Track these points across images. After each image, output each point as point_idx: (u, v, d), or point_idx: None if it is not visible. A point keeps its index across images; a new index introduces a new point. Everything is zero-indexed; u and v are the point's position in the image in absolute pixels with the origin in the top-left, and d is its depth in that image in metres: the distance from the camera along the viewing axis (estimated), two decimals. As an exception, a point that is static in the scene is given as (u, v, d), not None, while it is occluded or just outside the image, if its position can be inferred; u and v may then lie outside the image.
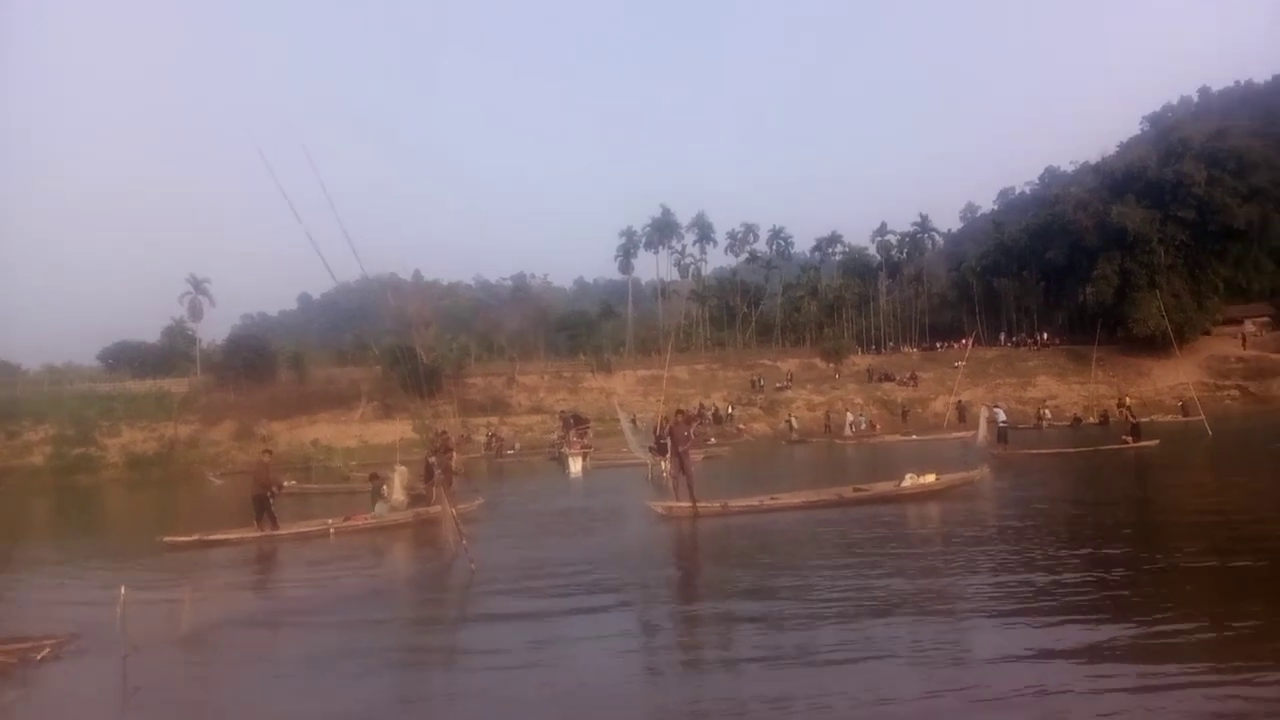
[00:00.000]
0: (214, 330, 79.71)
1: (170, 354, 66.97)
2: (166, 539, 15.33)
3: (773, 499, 16.37)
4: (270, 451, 20.44)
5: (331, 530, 16.08)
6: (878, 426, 47.32)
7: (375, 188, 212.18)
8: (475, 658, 7.76)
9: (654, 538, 14.20)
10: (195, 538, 15.21)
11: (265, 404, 52.78)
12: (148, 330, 73.73)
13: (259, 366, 56.71)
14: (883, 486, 16.98)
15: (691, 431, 17.88)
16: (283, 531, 16.02)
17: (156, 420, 49.91)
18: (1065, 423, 46.09)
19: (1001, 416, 29.56)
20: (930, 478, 16.71)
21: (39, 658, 7.79)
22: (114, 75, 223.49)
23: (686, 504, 15.77)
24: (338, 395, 54.33)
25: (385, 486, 18.15)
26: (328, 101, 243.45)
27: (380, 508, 17.36)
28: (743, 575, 10.34)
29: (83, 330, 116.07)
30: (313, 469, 37.45)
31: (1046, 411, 48.82)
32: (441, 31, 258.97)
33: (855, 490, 16.75)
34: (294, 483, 30.50)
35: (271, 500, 16.38)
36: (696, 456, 29.20)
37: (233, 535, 15.88)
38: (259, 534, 15.82)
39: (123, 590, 7.95)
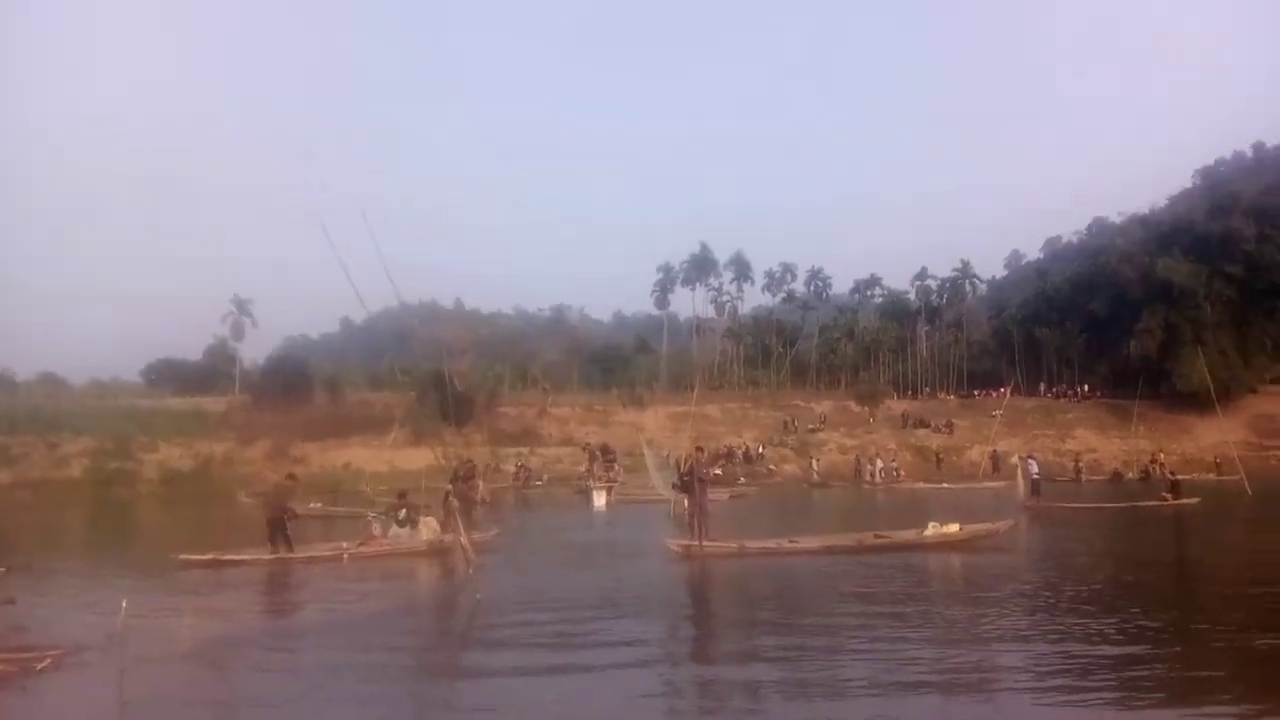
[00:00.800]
0: (256, 350, 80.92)
1: (211, 373, 68.19)
2: (181, 556, 15.44)
3: (791, 542, 16.08)
4: (294, 476, 20.44)
5: (345, 555, 16.10)
6: (902, 473, 46.66)
7: (420, 215, 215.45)
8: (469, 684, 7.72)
9: (668, 576, 14.05)
10: (210, 556, 15.27)
11: (300, 425, 53.33)
12: (191, 348, 75.31)
13: (296, 388, 57.43)
14: (905, 534, 16.66)
15: (708, 470, 17.72)
16: (296, 555, 16.05)
17: (193, 437, 50.64)
18: (1104, 477, 45.11)
19: (1034, 468, 29.00)
20: (954, 528, 16.36)
21: (39, 668, 7.88)
22: (160, 97, 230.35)
23: (705, 542, 15.55)
24: (371, 419, 54.71)
25: (405, 511, 18.14)
26: (374, 128, 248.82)
27: (393, 530, 17.44)
28: (752, 627, 9.92)
29: (130, 347, 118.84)
30: (339, 492, 37.69)
31: (1082, 465, 47.78)
32: (486, 63, 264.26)
33: (876, 537, 16.45)
34: (319, 505, 30.84)
35: (288, 524, 16.44)
36: (722, 495, 29.13)
37: (247, 556, 15.93)
38: (272, 556, 15.88)
39: (124, 604, 8.04)
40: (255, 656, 9.07)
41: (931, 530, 16.23)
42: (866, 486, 41.83)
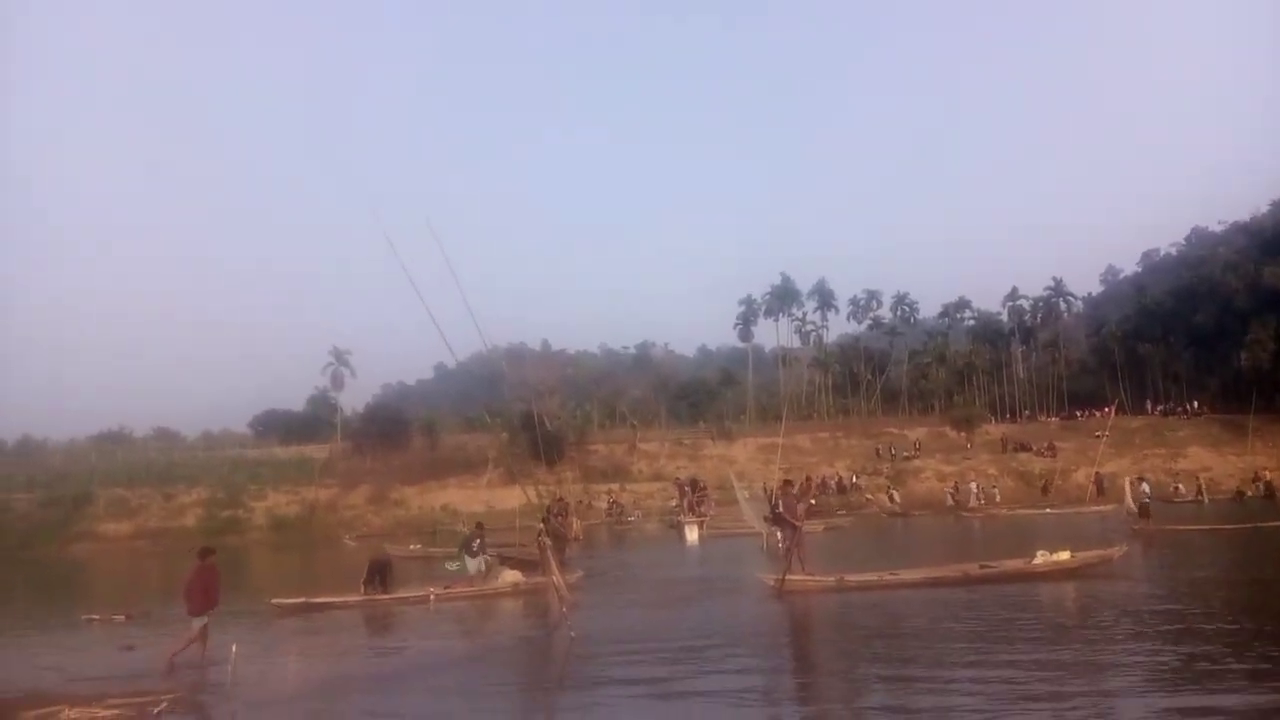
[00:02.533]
0: (355, 399, 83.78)
1: (314, 421, 70.78)
2: (273, 601, 15.99)
3: (892, 574, 15.60)
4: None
5: (432, 597, 16.40)
6: (998, 497, 45.21)
7: (509, 261, 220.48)
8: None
9: (764, 612, 13.77)
10: (300, 600, 15.75)
11: (399, 470, 54.85)
12: (294, 399, 78.39)
13: (394, 434, 59.21)
14: (1012, 564, 16.02)
15: (804, 501, 17.45)
16: (384, 597, 16.50)
17: (299, 484, 52.50)
18: (1226, 496, 42.71)
19: (1146, 490, 27.73)
20: (1065, 555, 15.74)
21: (156, 711, 8.26)
22: (253, 155, 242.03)
23: (800, 576, 15.33)
24: (466, 461, 55.87)
25: (479, 542, 18.47)
26: (462, 179, 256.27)
27: (466, 561, 17.75)
28: (855, 664, 9.53)
29: (237, 399, 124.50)
30: (438, 533, 38.44)
31: (1202, 484, 45.30)
32: (564, 103, 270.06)
33: (982, 567, 15.87)
34: (419, 546, 31.55)
35: (389, 570, 17.19)
36: (817, 527, 28.67)
37: (336, 599, 16.43)
38: (361, 598, 16.37)
39: (234, 649, 8.37)
40: (361, 697, 9.30)
41: (1041, 558, 15.63)
42: (965, 514, 40.57)
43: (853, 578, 15.45)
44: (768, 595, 14.88)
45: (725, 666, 9.42)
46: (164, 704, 8.41)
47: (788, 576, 15.20)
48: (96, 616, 16.02)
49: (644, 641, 11.15)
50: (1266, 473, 44.57)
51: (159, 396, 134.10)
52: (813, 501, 39.15)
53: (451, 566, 18.20)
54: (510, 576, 17.33)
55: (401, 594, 16.89)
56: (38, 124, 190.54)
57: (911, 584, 15.13)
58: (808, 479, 44.39)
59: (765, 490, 35.35)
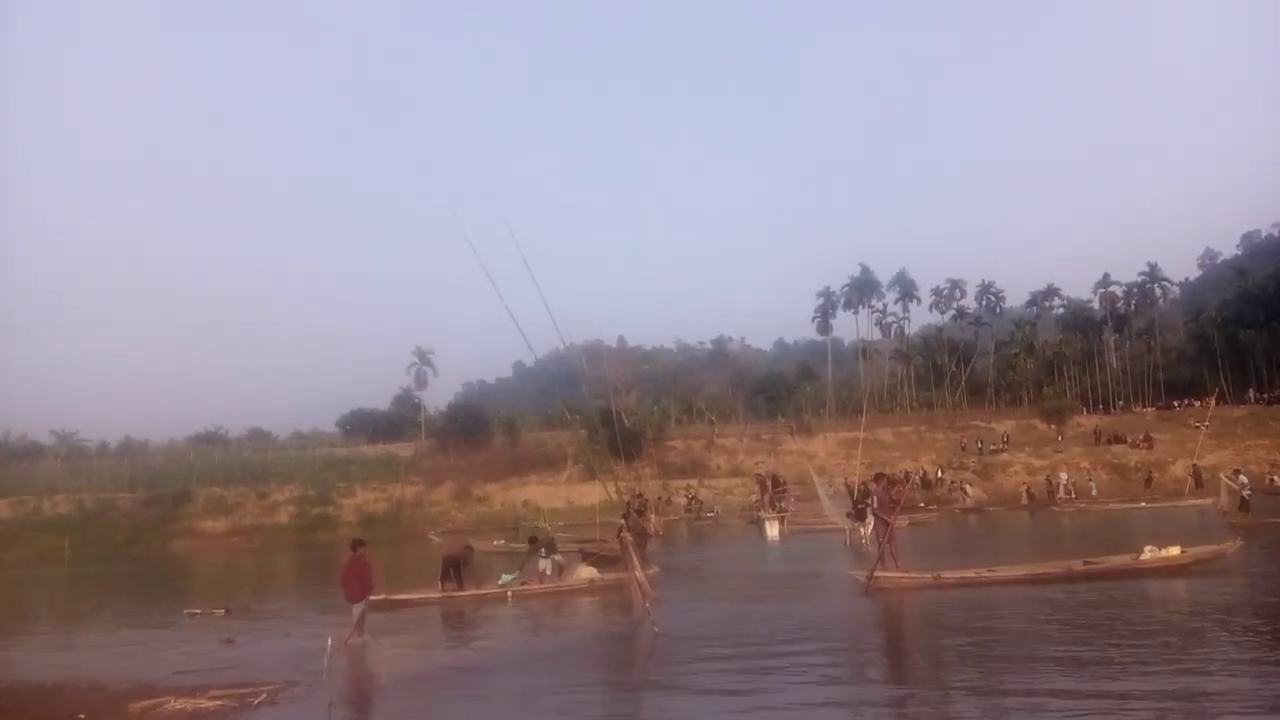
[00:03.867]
0: (438, 397, 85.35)
1: (399, 420, 72.42)
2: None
3: (991, 570, 15.11)
4: (471, 547, 20.95)
5: (509, 593, 16.57)
6: (1092, 491, 43.75)
7: (586, 259, 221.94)
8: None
9: (854, 611, 13.43)
10: (381, 597, 15.70)
11: (481, 467, 55.83)
12: (380, 398, 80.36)
13: (475, 431, 60.30)
14: (1119, 560, 15.29)
15: (896, 495, 16.98)
16: (461, 593, 16.70)
17: (386, 482, 53.84)
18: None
19: (1244, 482, 26.47)
20: (1174, 550, 15.00)
21: (256, 703, 8.52)
22: (334, 160, 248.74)
23: (895, 573, 14.92)
24: (546, 458, 56.55)
25: (544, 550, 18.62)
26: (539, 177, 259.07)
27: (540, 563, 17.99)
28: (955, 670, 8.92)
29: (325, 399, 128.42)
30: (520, 529, 38.93)
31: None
32: (642, 99, 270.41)
33: (1086, 564, 15.17)
34: (502, 542, 32.00)
35: (464, 567, 17.36)
36: (901, 523, 28.10)
37: (415, 596, 16.67)
38: (441, 594, 16.65)
39: (329, 642, 8.57)
40: (452, 688, 9.43)
41: (1149, 554, 14.94)
42: (1055, 508, 39.31)
43: (950, 574, 14.96)
44: (856, 592, 14.54)
45: (810, 674, 9.03)
46: (264, 695, 8.67)
47: (881, 574, 14.77)
48: (198, 611, 16.64)
49: (727, 641, 11.01)
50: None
51: (252, 398, 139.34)
52: (893, 500, 38.35)
53: (506, 578, 18.07)
54: (586, 573, 17.40)
55: (479, 590, 17.06)
56: (135, 141, 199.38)
57: (1012, 581, 14.59)
58: (905, 475, 43.65)
59: (846, 485, 34.83)
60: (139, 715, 8.32)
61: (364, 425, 71.14)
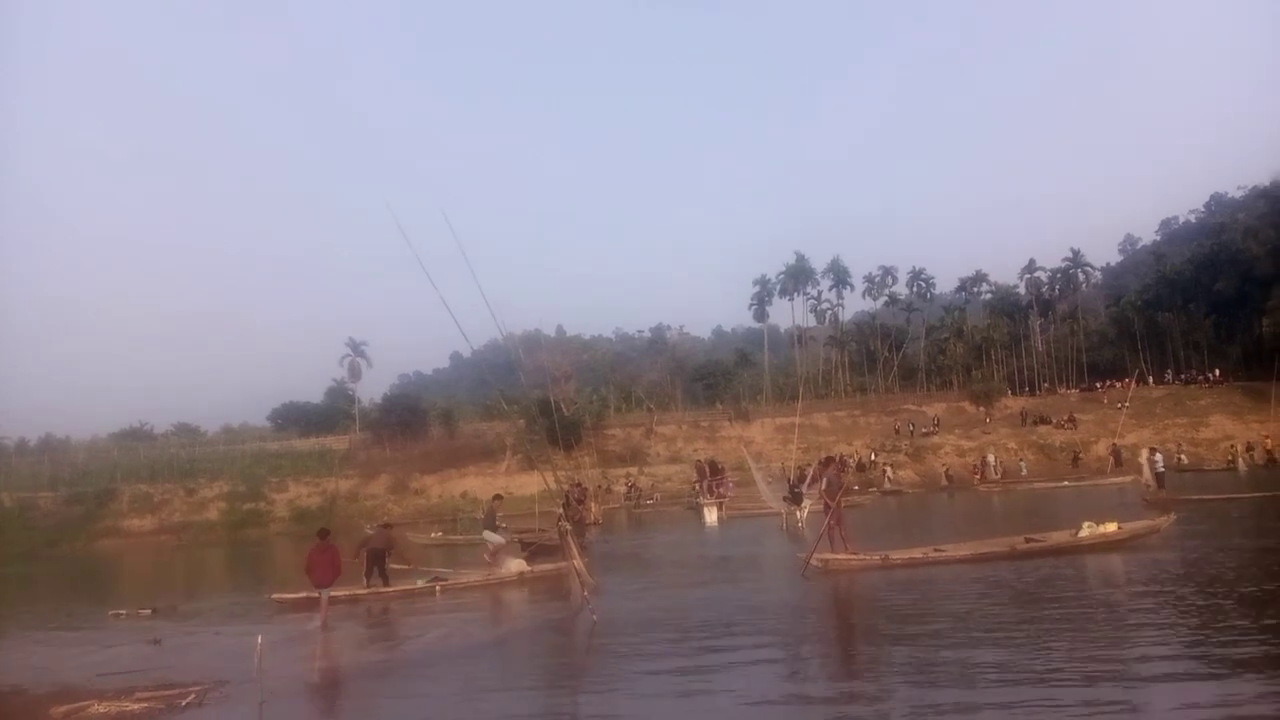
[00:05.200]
0: (372, 389, 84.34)
1: (332, 413, 71.11)
2: (274, 596, 15.91)
3: (937, 550, 15.41)
4: (390, 525, 20.72)
5: (438, 588, 16.29)
6: (1023, 471, 45.24)
7: (523, 249, 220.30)
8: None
9: (801, 594, 13.43)
10: (303, 595, 15.34)
11: (418, 459, 55.18)
12: (312, 392, 78.80)
13: (412, 423, 59.52)
14: (1058, 536, 15.75)
15: (831, 480, 17.14)
16: (390, 589, 16.33)
17: (320, 476, 52.88)
18: (1261, 462, 42.28)
19: (1159, 460, 27.65)
20: (1111, 526, 15.50)
21: (184, 704, 8.30)
22: (264, 149, 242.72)
23: (843, 555, 15.09)
24: (484, 449, 56.16)
25: (500, 515, 18.66)
26: (474, 169, 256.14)
27: (490, 535, 17.93)
28: (895, 648, 8.95)
29: (256, 393, 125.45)
30: (459, 520, 38.65)
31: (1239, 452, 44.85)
32: (573, 89, 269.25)
33: (1028, 540, 15.56)
34: (440, 534, 31.73)
35: (387, 560, 16.96)
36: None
37: (342, 592, 15.93)
38: (367, 590, 16.23)
39: (259, 640, 8.38)
40: (388, 683, 9.32)
41: (1087, 530, 15.37)
42: (982, 489, 40.47)
43: (898, 555, 15.18)
44: (799, 575, 14.57)
45: (750, 658, 9.10)
46: (192, 696, 8.46)
47: (830, 556, 15.00)
48: (123, 611, 16.14)
49: (666, 627, 11.05)
50: (1269, 440, 44.44)
51: (179, 393, 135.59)
52: (842, 482, 38.93)
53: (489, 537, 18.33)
54: (516, 565, 17.26)
55: (407, 586, 16.66)
56: (43, 123, 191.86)
57: (958, 560, 14.89)
58: (840, 458, 44.30)
59: (783, 470, 35.28)
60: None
61: (296, 419, 69.66)
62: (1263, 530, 17.79)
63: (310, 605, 14.78)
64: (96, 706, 8.28)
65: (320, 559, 13.67)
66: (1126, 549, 15.00)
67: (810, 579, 14.19)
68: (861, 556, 15.03)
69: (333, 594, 15.46)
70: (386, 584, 16.60)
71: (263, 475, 52.60)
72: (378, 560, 16.76)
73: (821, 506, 17.47)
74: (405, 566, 18.69)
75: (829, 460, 19.48)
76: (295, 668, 9.92)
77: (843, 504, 16.50)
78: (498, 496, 20.62)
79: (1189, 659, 7.67)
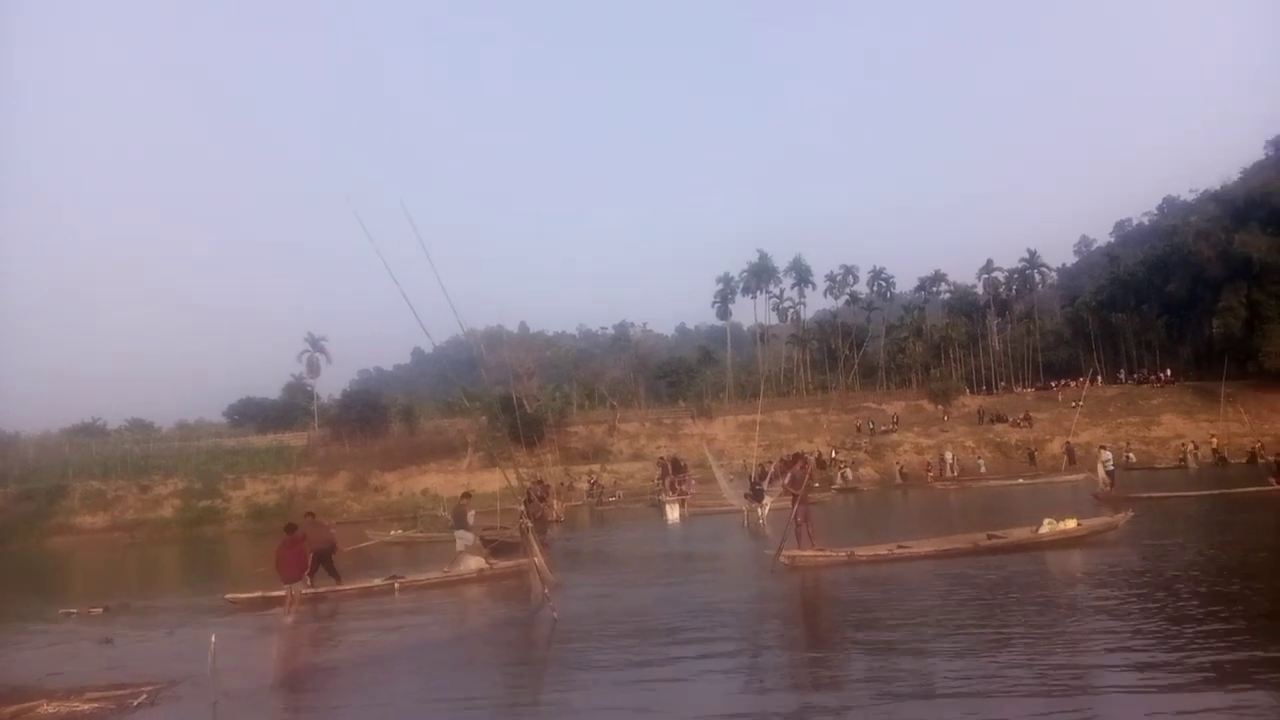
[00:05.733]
0: (332, 385, 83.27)
1: (290, 409, 70.17)
2: (227, 597, 15.49)
3: (901, 547, 15.53)
4: (313, 513, 20.24)
5: (397, 586, 16.03)
6: (981, 469, 45.95)
7: (485, 244, 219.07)
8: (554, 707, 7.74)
9: (765, 590, 13.46)
10: (257, 595, 15.19)
11: (378, 455, 54.69)
12: (270, 387, 77.73)
13: (372, 419, 58.94)
14: (1020, 533, 15.99)
15: (805, 475, 17.20)
16: (346, 587, 16.00)
17: (277, 473, 52.19)
18: (1210, 461, 43.28)
19: (1108, 459, 28.32)
20: (1071, 523, 15.83)
21: (135, 704, 8.18)
22: (223, 138, 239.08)
23: (810, 551, 15.17)
24: (446, 445, 55.79)
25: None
26: (437, 162, 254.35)
27: (461, 534, 17.76)
28: (855, 642, 9.18)
29: (212, 389, 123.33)
30: (419, 518, 38.34)
31: (1192, 451, 45.93)
32: (536, 87, 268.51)
33: (990, 537, 15.78)
34: (400, 531, 31.47)
35: (334, 557, 16.45)
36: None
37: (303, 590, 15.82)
38: (327, 589, 15.73)
39: (213, 639, 8.27)
40: (344, 682, 9.25)
41: (1048, 527, 15.64)
42: (938, 486, 41.05)
43: (863, 551, 15.30)
44: (763, 571, 14.65)
45: (712, 657, 8.98)
46: (144, 696, 8.34)
47: (797, 552, 15.07)
48: (74, 610, 15.83)
49: (627, 625, 11.07)
50: (1214, 438, 45.65)
51: (133, 388, 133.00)
52: (785, 482, 39.19)
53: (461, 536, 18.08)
54: (474, 563, 17.15)
55: (365, 584, 16.37)
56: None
57: (921, 556, 15.01)
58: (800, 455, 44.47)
59: (745, 467, 35.48)
60: (8, 721, 7.91)
61: (253, 414, 68.72)
62: (1214, 526, 18.23)
63: (265, 604, 14.66)
64: (46, 707, 8.14)
65: (288, 554, 13.93)
66: (1086, 545, 15.27)
67: (777, 575, 14.26)
68: (828, 553, 15.11)
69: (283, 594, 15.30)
70: (340, 581, 16.28)
71: (219, 472, 51.82)
72: (323, 559, 16.23)
73: (788, 501, 17.55)
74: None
75: (795, 457, 19.56)
76: (249, 667, 9.80)
77: (808, 500, 16.64)
78: (466, 494, 20.32)
79: (1156, 667, 7.43)
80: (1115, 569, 12.73)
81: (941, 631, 9.40)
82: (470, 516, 18.63)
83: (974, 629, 9.41)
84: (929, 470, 46.70)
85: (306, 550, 14.48)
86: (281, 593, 14.57)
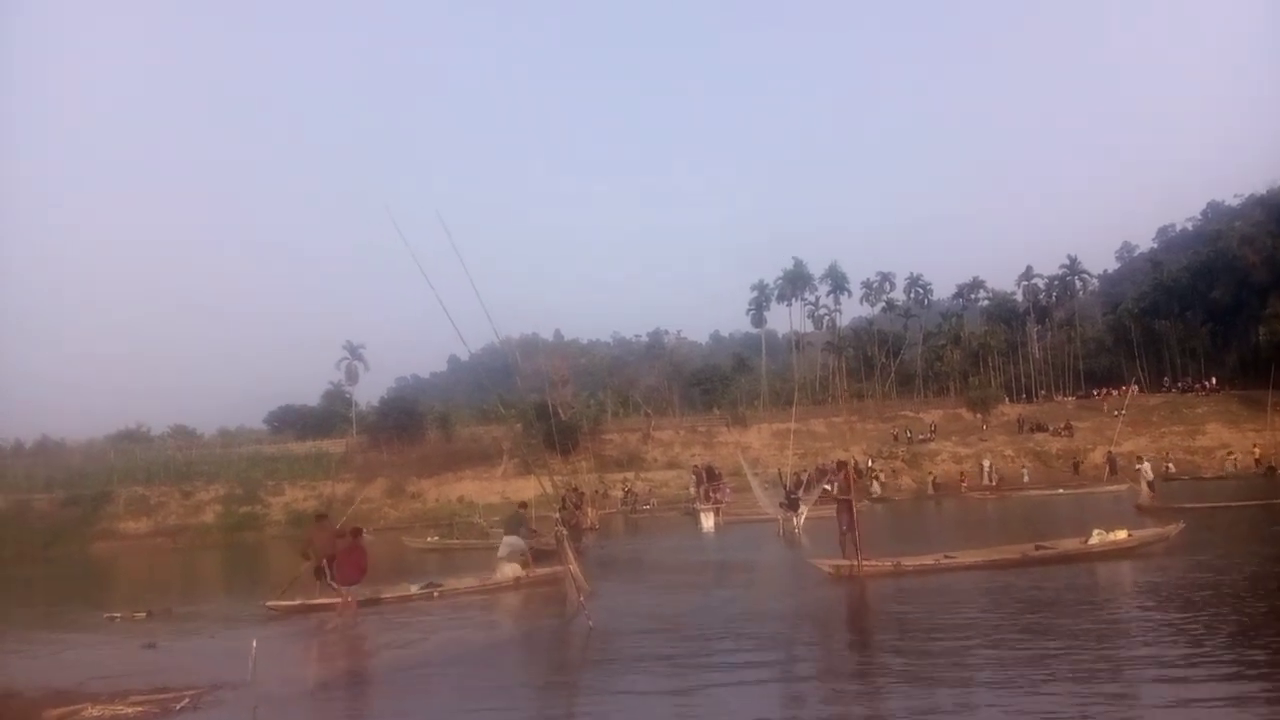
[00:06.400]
0: (370, 393, 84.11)
1: (329, 416, 71.06)
2: (268, 604, 15.34)
3: (948, 557, 15.27)
4: (325, 514, 20.09)
5: (435, 593, 16.10)
6: (1025, 479, 45.31)
7: (522, 254, 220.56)
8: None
9: (812, 600, 13.31)
10: (298, 603, 15.23)
11: (415, 462, 55.09)
12: (309, 395, 78.74)
13: (409, 427, 59.44)
14: (1069, 544, 15.70)
15: (835, 483, 16.98)
16: (387, 595, 15.86)
17: (316, 479, 52.76)
18: (1259, 471, 42.32)
19: (1147, 469, 27.87)
20: (1121, 534, 15.55)
21: (178, 708, 8.27)
22: (263, 151, 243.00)
23: (855, 561, 14.79)
24: (481, 453, 56.09)
25: (511, 527, 18.31)
26: (473, 172, 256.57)
27: (509, 539, 17.65)
28: (905, 663, 8.80)
29: (253, 396, 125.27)
30: (455, 525, 38.56)
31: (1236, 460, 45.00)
32: (573, 93, 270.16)
33: (1038, 548, 15.54)
34: (436, 538, 31.68)
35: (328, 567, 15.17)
36: (830, 510, 28.54)
37: (335, 600, 15.43)
38: (361, 598, 15.18)
39: (254, 644, 8.37)
40: (381, 690, 9.30)
41: (1097, 538, 15.38)
42: (974, 495, 40.48)
43: (909, 562, 15.10)
44: (807, 580, 14.48)
45: (748, 668, 8.86)
46: (186, 700, 8.43)
47: (843, 561, 14.85)
48: (118, 615, 16.08)
49: (662, 634, 11.01)
50: (1256, 449, 44.63)
51: (176, 395, 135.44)
52: (827, 486, 38.91)
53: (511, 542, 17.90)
54: (510, 570, 17.17)
55: (403, 592, 16.31)
56: (42, 108, 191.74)
57: (969, 566, 14.79)
58: (840, 463, 44.19)
59: (779, 476, 35.26)
60: (53, 724, 8.04)
61: (293, 422, 69.62)
62: (1268, 538, 17.76)
63: (305, 611, 14.80)
64: (90, 710, 8.26)
65: (348, 558, 14.26)
66: (1136, 556, 14.94)
67: (823, 584, 14.19)
68: (874, 563, 14.84)
69: (327, 601, 15.41)
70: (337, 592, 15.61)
71: (259, 478, 52.52)
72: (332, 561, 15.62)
73: (827, 509, 17.28)
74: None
75: (842, 465, 19.15)
76: (289, 673, 9.89)
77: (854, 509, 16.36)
78: (523, 504, 20.23)
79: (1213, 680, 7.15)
80: (1171, 582, 12.38)
81: (987, 647, 9.19)
82: (527, 527, 18.45)
83: (1022, 647, 9.08)
84: (962, 479, 46.06)
85: (367, 556, 14.69)
86: (321, 600, 14.71)
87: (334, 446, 60.22)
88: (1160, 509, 23.57)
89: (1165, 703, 6.71)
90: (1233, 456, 43.73)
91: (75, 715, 8.18)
